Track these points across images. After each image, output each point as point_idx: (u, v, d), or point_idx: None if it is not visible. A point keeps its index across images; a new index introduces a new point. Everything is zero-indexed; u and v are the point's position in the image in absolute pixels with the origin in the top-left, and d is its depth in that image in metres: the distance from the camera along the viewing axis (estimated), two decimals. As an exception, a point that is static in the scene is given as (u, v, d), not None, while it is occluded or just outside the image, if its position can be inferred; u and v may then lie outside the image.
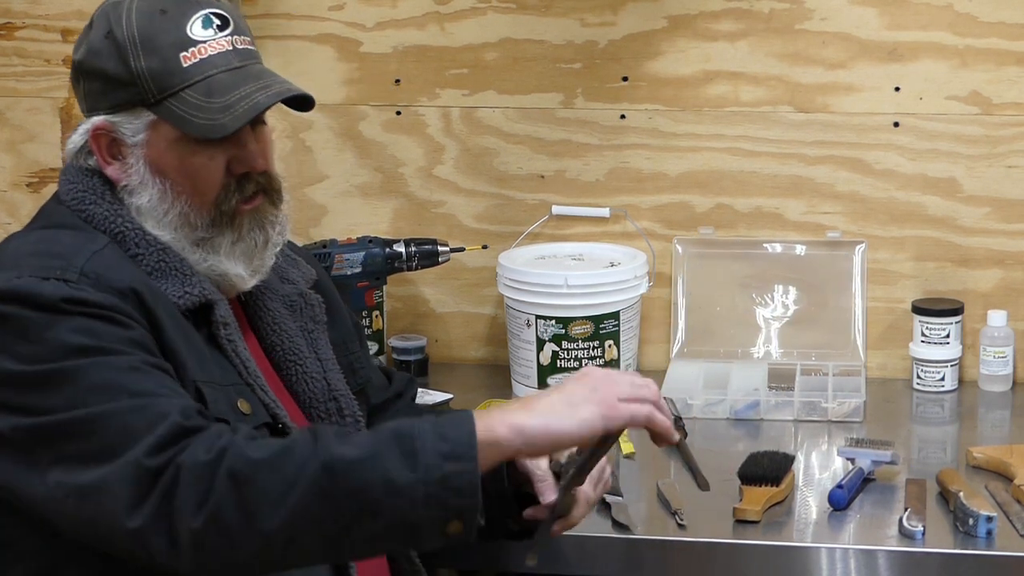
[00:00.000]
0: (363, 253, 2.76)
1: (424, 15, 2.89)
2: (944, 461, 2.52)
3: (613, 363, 2.69)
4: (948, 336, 2.76)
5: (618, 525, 2.21)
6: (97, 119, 1.91)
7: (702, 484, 2.28)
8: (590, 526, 2.20)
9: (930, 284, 2.83)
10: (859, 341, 2.80)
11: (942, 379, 2.77)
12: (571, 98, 2.87)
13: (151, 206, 1.91)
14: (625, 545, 2.19)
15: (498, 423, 1.71)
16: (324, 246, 2.76)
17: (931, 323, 2.76)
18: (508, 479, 2.00)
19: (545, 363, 2.70)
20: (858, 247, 2.81)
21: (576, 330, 2.68)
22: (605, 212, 2.89)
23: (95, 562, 1.78)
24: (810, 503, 2.30)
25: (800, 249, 2.85)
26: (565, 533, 2.04)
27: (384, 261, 2.77)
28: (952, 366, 2.77)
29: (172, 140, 1.89)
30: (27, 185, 3.03)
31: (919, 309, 2.78)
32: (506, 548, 2.18)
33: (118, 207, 1.91)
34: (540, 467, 1.97)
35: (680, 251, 2.86)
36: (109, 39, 1.88)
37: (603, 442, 1.81)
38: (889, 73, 2.78)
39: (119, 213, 1.90)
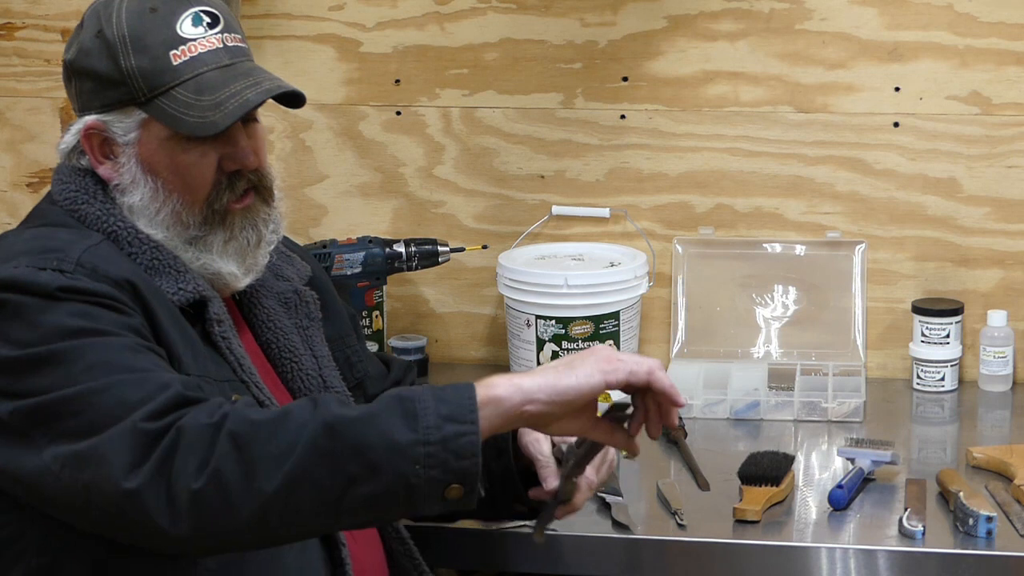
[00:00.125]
0: (363, 253, 2.76)
1: (424, 15, 2.89)
2: (944, 461, 2.52)
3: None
4: (948, 336, 2.76)
5: (618, 525, 2.21)
6: (89, 118, 1.91)
7: (702, 484, 2.29)
8: (590, 526, 2.21)
9: (930, 284, 2.83)
10: (859, 341, 2.80)
11: (942, 379, 2.77)
12: (571, 98, 2.87)
13: (143, 205, 1.91)
14: (625, 545, 2.19)
15: (498, 381, 1.71)
16: (324, 246, 2.76)
17: (931, 323, 2.76)
18: (514, 458, 2.01)
19: (545, 363, 2.70)
20: (858, 247, 2.81)
21: (576, 330, 2.69)
22: (605, 212, 2.89)
23: (95, 560, 1.78)
24: (810, 503, 2.30)
25: (800, 249, 2.85)
26: (566, 533, 2.04)
27: (384, 261, 2.77)
28: (952, 366, 2.77)
29: (163, 138, 1.89)
30: (27, 185, 3.03)
31: (919, 309, 2.78)
32: (506, 548, 2.19)
33: (111, 206, 1.91)
34: (543, 452, 1.99)
35: (680, 251, 2.86)
36: (99, 38, 1.89)
37: (604, 426, 1.81)
38: (889, 73, 2.78)
39: (111, 212, 1.90)
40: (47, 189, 1.99)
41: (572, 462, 1.91)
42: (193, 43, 1.88)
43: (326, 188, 2.97)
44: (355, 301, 2.74)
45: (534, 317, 2.70)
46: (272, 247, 2.00)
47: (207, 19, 1.90)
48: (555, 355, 2.68)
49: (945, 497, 2.27)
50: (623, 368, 1.75)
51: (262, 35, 2.92)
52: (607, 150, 2.88)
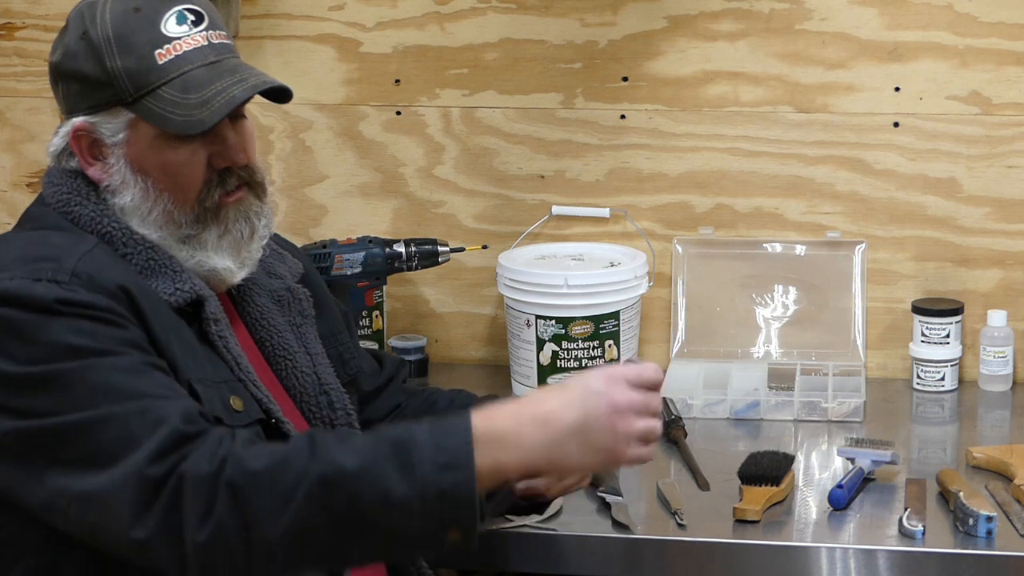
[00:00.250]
0: (363, 253, 2.76)
1: (424, 15, 2.89)
2: (944, 461, 2.52)
3: (613, 363, 2.69)
4: (948, 336, 2.76)
5: (618, 525, 2.21)
6: (77, 120, 1.91)
7: (702, 484, 2.29)
8: (590, 526, 2.21)
9: (930, 284, 2.83)
10: (859, 341, 2.80)
11: (942, 379, 2.77)
12: (571, 98, 2.87)
13: (134, 205, 1.91)
14: (625, 545, 2.19)
15: (500, 424, 1.74)
16: (324, 246, 2.76)
17: (931, 323, 2.75)
18: None
19: (545, 363, 2.69)
20: (858, 247, 2.81)
21: (576, 330, 2.68)
22: (605, 212, 2.89)
23: (96, 560, 1.78)
24: (810, 503, 2.30)
25: (800, 249, 2.85)
26: (566, 533, 2.05)
27: (384, 261, 2.77)
28: (952, 366, 2.77)
29: (152, 138, 1.89)
30: (27, 185, 3.03)
31: (919, 309, 2.77)
32: (506, 548, 2.19)
33: (103, 208, 1.91)
34: None
35: (680, 251, 2.86)
36: (84, 40, 1.88)
37: None
38: (889, 73, 2.78)
39: (105, 214, 1.90)
40: (44, 191, 1.99)
41: None
42: (178, 41, 1.88)
43: (326, 188, 2.97)
44: (355, 301, 2.74)
45: (534, 317, 2.70)
46: (264, 241, 2.00)
47: (191, 17, 1.90)
48: (555, 355, 2.68)
49: (945, 497, 2.27)
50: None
51: (262, 35, 2.92)
52: (607, 150, 2.88)
